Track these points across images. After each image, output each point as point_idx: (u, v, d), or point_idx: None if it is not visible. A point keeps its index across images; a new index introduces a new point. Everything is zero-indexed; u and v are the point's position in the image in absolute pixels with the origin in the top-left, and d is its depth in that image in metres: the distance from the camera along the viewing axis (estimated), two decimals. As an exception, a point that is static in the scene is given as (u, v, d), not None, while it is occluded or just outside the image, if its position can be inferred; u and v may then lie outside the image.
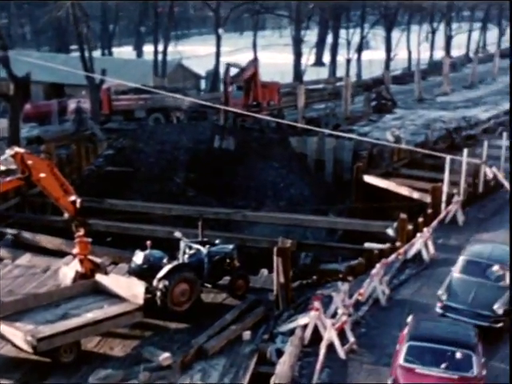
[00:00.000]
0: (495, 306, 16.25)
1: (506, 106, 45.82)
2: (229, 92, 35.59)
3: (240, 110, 30.65)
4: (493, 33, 74.79)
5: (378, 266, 18.42)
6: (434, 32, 65.14)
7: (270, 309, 18.26)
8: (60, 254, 22.47)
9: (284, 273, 18.03)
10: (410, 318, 14.88)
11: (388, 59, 57.74)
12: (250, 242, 24.42)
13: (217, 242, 19.74)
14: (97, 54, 60.66)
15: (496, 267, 17.16)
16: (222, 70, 41.03)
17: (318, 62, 65.28)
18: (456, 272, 17.49)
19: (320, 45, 66.02)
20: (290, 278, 18.38)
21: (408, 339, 13.83)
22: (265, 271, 20.99)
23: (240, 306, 18.27)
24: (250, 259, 21.73)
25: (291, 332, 16.41)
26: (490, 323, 16.11)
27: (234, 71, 36.88)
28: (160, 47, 52.20)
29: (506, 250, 18.10)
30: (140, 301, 16.70)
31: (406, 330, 14.32)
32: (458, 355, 13.39)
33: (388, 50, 58.10)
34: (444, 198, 24.94)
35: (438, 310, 16.68)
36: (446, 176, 25.32)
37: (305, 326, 16.11)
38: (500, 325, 16.20)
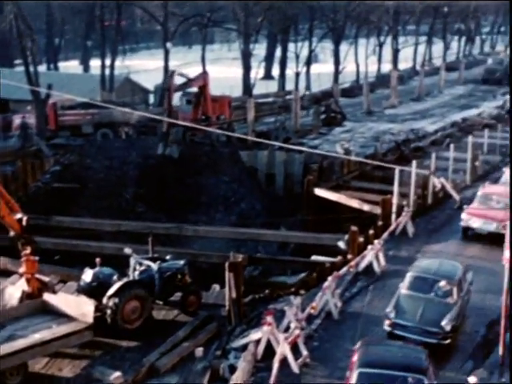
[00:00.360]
0: (443, 323, 16.22)
1: (453, 117, 46.88)
2: (171, 99, 35.44)
3: (189, 123, 30.59)
4: (438, 46, 76.50)
5: (329, 279, 18.55)
6: (381, 45, 66.26)
7: (223, 324, 18.21)
8: (6, 273, 22.01)
9: (236, 288, 18.02)
10: (358, 344, 14.38)
11: (336, 72, 58.45)
12: (201, 257, 24.35)
13: (167, 257, 19.62)
14: (42, 68, 59.87)
15: (443, 283, 17.15)
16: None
17: (267, 76, 65.77)
18: (403, 289, 17.36)
19: (269, 58, 66.54)
20: (242, 293, 18.37)
21: (358, 366, 13.32)
22: (217, 286, 20.93)
23: (192, 323, 18.17)
24: (202, 274, 21.67)
25: (244, 347, 16.38)
26: (439, 340, 16.10)
27: (181, 80, 36.77)
28: (107, 61, 51.86)
29: (454, 265, 18.30)
30: (90, 319, 16.48)
31: (355, 357, 13.80)
32: (410, 380, 13.08)
33: (336, 63, 58.83)
34: (394, 209, 25.30)
35: (386, 328, 16.54)
36: (396, 188, 25.71)
37: (258, 341, 16.10)
38: (448, 341, 16.21)
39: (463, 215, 24.01)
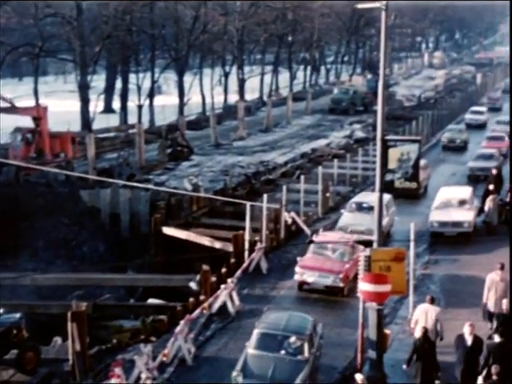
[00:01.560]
0: (296, 382, 15.82)
1: (302, 148, 48.50)
2: None
3: (21, 161, 29.54)
4: (284, 76, 79.22)
5: (182, 323, 18.44)
6: (226, 75, 67.62)
7: (66, 381, 17.55)
8: None
9: (80, 339, 17.48)
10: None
11: (181, 104, 58.85)
12: (39, 309, 23.42)
13: (0, 311, 18.72)
14: None
15: (293, 339, 16.58)
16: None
17: (108, 109, 65.06)
18: (250, 348, 16.65)
19: (109, 90, 65.89)
20: (86, 345, 17.83)
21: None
22: (58, 339, 20.21)
23: (30, 382, 17.37)
24: (41, 327, 20.83)
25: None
26: None
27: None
28: None
29: (304, 317, 17.87)
30: None
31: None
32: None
33: (181, 94, 59.26)
34: (247, 246, 25.65)
35: None
36: (247, 223, 26.12)
37: (106, 397, 15.64)
38: None
39: (297, 268, 22.94)
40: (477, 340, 16.22)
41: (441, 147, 48.38)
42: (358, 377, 15.13)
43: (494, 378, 14.90)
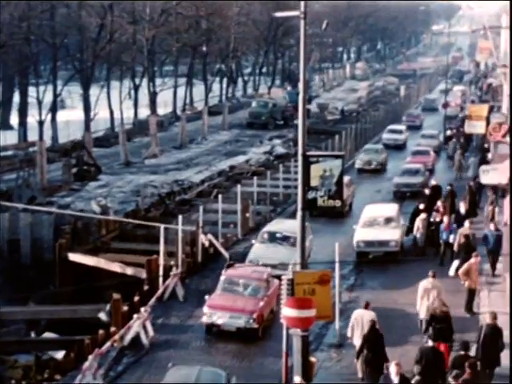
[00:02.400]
0: None
1: (220, 166, 48.66)
2: None
3: None
4: (199, 89, 79.38)
5: (90, 358, 18.12)
6: (136, 88, 67.27)
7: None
8: None
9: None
10: None
11: (88, 119, 58.14)
12: None
13: None
14: None
15: None
16: None
17: (5, 125, 63.68)
18: None
19: (5, 105, 64.55)
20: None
21: None
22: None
23: None
24: None
25: None
26: None
27: None
28: None
29: (216, 373, 17.20)
30: None
31: None
32: None
33: (87, 109, 58.54)
34: (161, 271, 25.47)
35: None
36: (162, 247, 25.95)
37: None
38: None
39: (205, 309, 21.64)
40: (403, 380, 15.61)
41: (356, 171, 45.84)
42: (297, 379, 15.72)
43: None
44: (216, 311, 21.53)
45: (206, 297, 22.26)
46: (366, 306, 19.40)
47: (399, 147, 54.54)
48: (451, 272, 25.48)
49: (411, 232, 29.90)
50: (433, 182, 36.65)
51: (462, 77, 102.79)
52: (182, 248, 26.87)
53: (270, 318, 22.38)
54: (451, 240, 27.26)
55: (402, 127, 59.64)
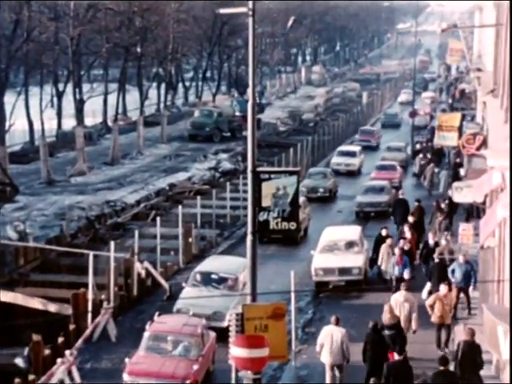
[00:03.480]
0: None
1: (158, 184, 48.45)
2: None
3: None
4: (133, 96, 79.15)
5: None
6: (60, 95, 66.74)
7: None
8: None
9: None
10: None
11: (2, 131, 57.48)
12: None
13: None
14: None
15: None
16: None
17: None
18: None
19: None
20: None
21: None
22: None
23: None
24: None
25: None
26: None
27: None
28: None
29: None
30: None
31: None
32: None
33: (1, 119, 57.86)
34: (90, 307, 25.20)
35: None
36: (91, 278, 25.68)
37: None
38: None
39: (125, 376, 20.04)
40: None
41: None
42: None
43: None
44: (138, 379, 19.78)
45: (127, 360, 20.64)
46: (337, 322, 20.39)
47: (352, 173, 52.16)
48: (423, 295, 25.55)
49: (375, 264, 29.36)
50: (400, 196, 37.24)
51: (426, 86, 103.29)
52: (114, 279, 26.62)
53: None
54: (406, 276, 26.46)
55: (356, 148, 56.51)
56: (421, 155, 50.80)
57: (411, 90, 74.53)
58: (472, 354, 18.43)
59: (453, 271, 25.72)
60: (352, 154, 54.41)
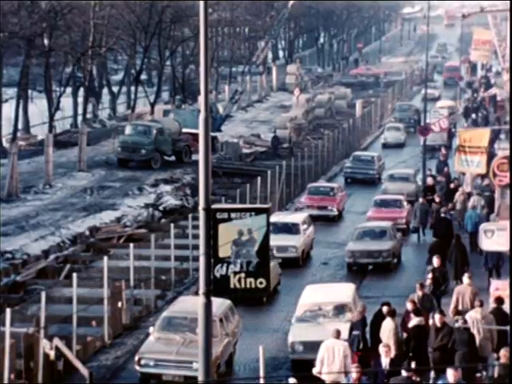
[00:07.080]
0: None
1: (75, 228, 48.19)
2: None
3: None
4: (39, 106, 79.04)
5: None
6: None
7: None
8: None
9: None
10: None
11: None
12: None
13: None
14: None
15: None
16: None
17: None
18: None
19: None
20: None
21: None
22: None
23: None
24: None
25: None
26: None
27: None
28: None
29: None
30: None
31: None
32: None
33: None
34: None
35: None
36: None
37: None
38: None
39: None
40: None
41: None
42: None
43: None
44: None
45: None
46: (338, 335, 23.36)
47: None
48: None
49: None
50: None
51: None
52: (10, 363, 26.45)
53: None
54: None
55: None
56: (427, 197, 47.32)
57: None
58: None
59: None
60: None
